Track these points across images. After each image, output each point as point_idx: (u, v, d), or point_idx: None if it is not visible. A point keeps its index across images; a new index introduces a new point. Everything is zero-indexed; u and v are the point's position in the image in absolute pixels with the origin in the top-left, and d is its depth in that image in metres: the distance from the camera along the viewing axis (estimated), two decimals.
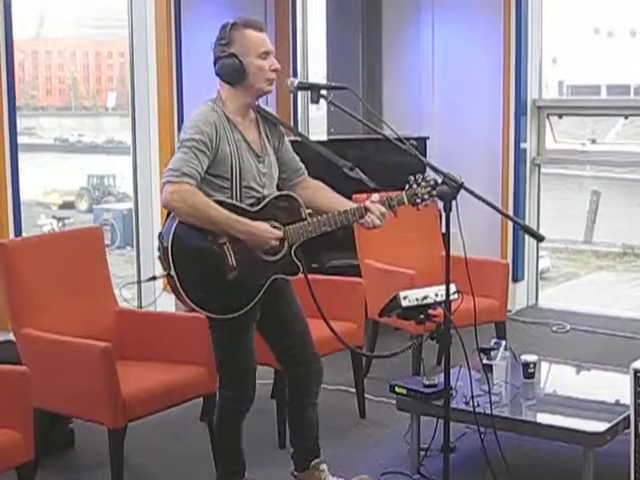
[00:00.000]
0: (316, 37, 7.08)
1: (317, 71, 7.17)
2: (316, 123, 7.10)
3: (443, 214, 3.20)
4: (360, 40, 7.05)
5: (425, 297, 3.83)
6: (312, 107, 7.04)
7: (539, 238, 3.60)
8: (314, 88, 3.51)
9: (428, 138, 6.50)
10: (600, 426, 3.63)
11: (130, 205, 6.27)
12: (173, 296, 3.43)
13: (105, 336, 3.89)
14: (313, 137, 6.42)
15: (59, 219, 11.14)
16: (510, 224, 6.59)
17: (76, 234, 4.78)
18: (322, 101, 3.49)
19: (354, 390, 4.78)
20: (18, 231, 5.06)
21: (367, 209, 3.42)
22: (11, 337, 4.24)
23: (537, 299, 7.21)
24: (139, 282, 5.76)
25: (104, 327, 4.14)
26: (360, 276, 5.21)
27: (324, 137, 6.92)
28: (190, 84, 5.76)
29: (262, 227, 3.34)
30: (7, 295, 4.06)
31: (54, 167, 12.66)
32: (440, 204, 3.23)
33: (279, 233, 3.37)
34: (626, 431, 3.66)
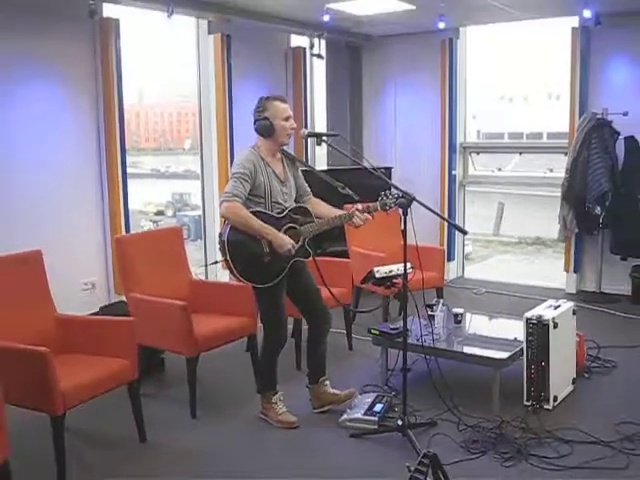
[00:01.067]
0: (319, 102, 7.04)
1: (320, 124, 7.12)
2: (320, 158, 7.06)
3: (402, 217, 3.18)
4: (348, 104, 7.00)
5: (391, 271, 3.82)
6: (317, 148, 6.99)
7: (464, 232, 3.60)
8: (318, 136, 3.54)
9: (392, 168, 6.48)
10: (504, 354, 3.63)
11: (199, 213, 6.24)
12: (228, 272, 3.43)
13: (184, 297, 3.89)
14: (318, 168, 6.39)
15: (154, 222, 11.15)
16: (445, 224, 6.56)
17: (165, 231, 4.79)
18: (323, 144, 3.50)
19: (345, 332, 4.78)
20: (127, 229, 5.03)
21: (353, 214, 3.40)
22: (123, 298, 4.25)
23: (463, 272, 7.15)
24: (206, 265, 5.76)
25: (183, 291, 4.13)
26: (349, 258, 5.19)
27: (325, 168, 6.89)
28: (238, 135, 5.73)
29: (281, 237, 3.31)
30: (121, 271, 4.08)
31: (150, 188, 12.67)
32: (400, 210, 3.21)
33: (293, 242, 3.32)
34: (521, 358, 3.69)
